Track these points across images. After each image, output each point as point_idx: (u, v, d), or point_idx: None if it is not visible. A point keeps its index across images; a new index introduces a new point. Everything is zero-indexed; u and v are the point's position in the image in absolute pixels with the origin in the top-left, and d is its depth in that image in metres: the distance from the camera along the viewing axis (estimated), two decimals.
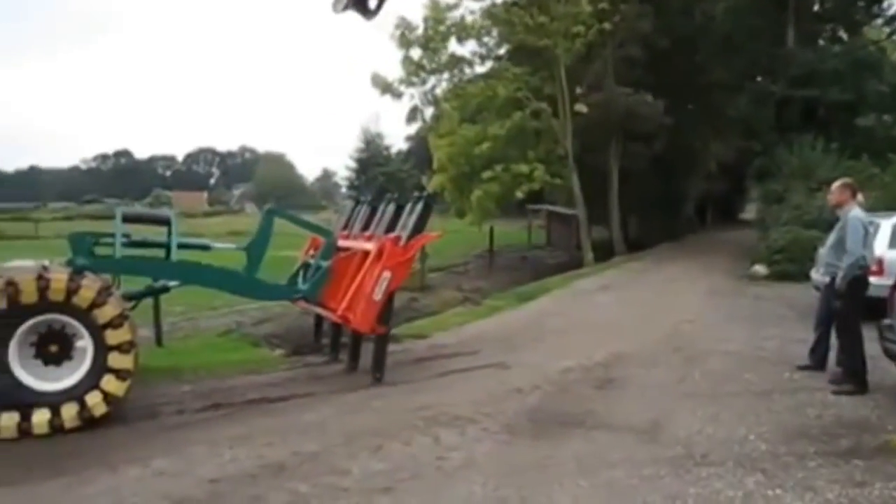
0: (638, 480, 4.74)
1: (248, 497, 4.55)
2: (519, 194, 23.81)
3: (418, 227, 7.88)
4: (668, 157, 28.64)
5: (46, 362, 6.15)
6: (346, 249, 8.32)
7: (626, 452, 5.29)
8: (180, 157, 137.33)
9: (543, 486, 4.67)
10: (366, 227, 8.76)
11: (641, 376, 7.78)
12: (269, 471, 5.00)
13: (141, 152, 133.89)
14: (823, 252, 7.92)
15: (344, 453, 5.33)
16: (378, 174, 63.59)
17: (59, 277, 6.02)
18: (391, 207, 8.42)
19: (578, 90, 24.69)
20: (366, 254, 7.89)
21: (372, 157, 67.73)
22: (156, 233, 8.08)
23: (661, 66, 27.14)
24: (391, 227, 8.11)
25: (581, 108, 23.54)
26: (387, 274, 7.46)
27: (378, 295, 7.41)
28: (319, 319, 9.36)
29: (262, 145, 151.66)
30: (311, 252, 8.83)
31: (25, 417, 5.86)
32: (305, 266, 8.57)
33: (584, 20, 22.63)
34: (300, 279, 8.43)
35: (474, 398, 6.81)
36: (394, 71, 25.31)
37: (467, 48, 25.12)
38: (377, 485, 4.71)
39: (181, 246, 7.89)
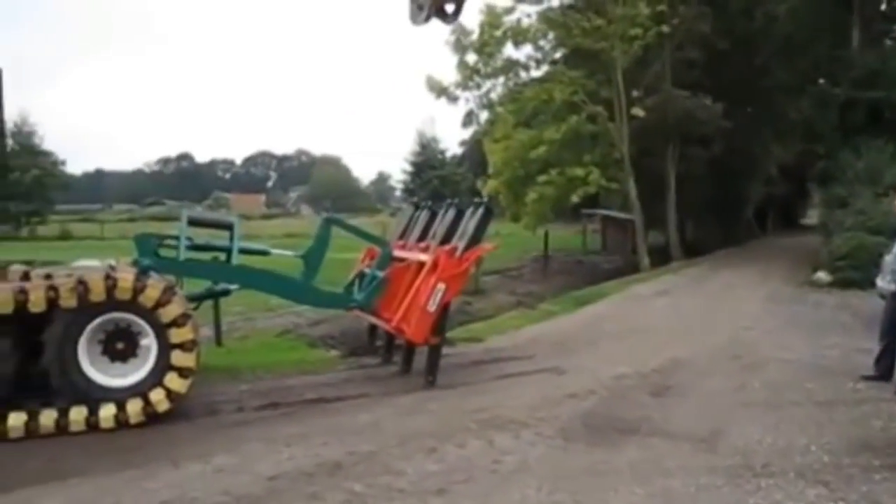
0: (695, 489, 4.68)
1: (306, 495, 4.63)
2: (574, 198, 23.65)
3: (477, 236, 7.90)
4: (727, 160, 28.09)
5: (113, 359, 6.34)
6: (402, 260, 8.38)
7: (683, 461, 5.23)
8: (239, 161, 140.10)
9: (598, 492, 4.65)
10: (423, 234, 8.80)
11: (699, 384, 7.67)
12: (326, 469, 5.08)
13: (202, 156, 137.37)
14: (890, 259, 7.70)
15: (399, 454, 5.39)
16: (432, 178, 63.77)
17: (126, 277, 6.21)
18: (451, 213, 8.44)
19: (635, 93, 24.45)
20: (421, 265, 7.94)
21: (427, 161, 67.91)
22: (213, 235, 8.29)
23: (720, 68, 26.64)
24: (449, 235, 8.13)
25: (638, 111, 23.29)
26: (441, 286, 7.50)
27: (432, 307, 7.45)
28: (373, 335, 9.48)
29: (319, 149, 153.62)
30: (367, 262, 8.93)
31: (93, 412, 6.07)
32: (361, 275, 8.64)
33: (642, 22, 22.38)
34: (355, 288, 8.52)
35: (529, 402, 6.81)
36: (449, 75, 25.36)
37: (522, 52, 25.08)
38: (431, 486, 4.75)
39: (241, 251, 8.08)
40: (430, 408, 6.83)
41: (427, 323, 7.49)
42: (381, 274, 8.14)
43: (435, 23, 8.32)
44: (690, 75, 25.69)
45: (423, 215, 9.13)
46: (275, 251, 8.66)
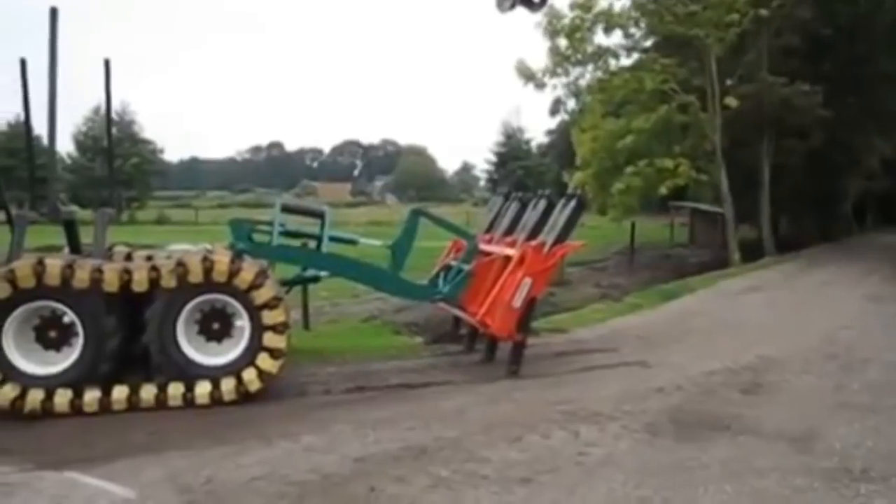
0: (790, 491, 4.54)
1: (392, 477, 4.71)
2: (662, 190, 23.11)
3: (566, 230, 7.81)
4: (825, 152, 26.88)
5: (209, 339, 6.60)
6: (488, 254, 8.37)
7: (776, 461, 5.06)
8: (327, 150, 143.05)
9: (686, 488, 4.56)
10: (512, 226, 8.74)
11: (792, 383, 7.41)
12: (412, 454, 5.15)
13: (291, 144, 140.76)
14: None
15: (483, 442, 5.41)
16: (516, 168, 63.56)
17: (223, 260, 6.43)
18: (542, 205, 8.35)
19: (729, 82, 23.64)
20: (507, 259, 7.89)
21: (511, 151, 67.71)
22: (302, 223, 8.49)
23: (821, 56, 25.50)
24: (538, 229, 8.06)
25: (731, 101, 22.48)
26: (527, 281, 7.46)
27: (518, 302, 7.42)
28: (457, 327, 9.51)
29: (405, 139, 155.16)
30: (453, 254, 8.96)
31: (189, 388, 6.33)
32: (447, 268, 8.67)
33: (739, 8, 21.61)
34: (441, 280, 8.57)
35: (614, 395, 6.72)
36: (538, 64, 25.13)
37: (613, 40, 24.63)
38: (516, 475, 4.75)
39: (331, 239, 8.26)
40: (514, 397, 6.83)
41: (512, 318, 7.46)
42: (467, 267, 8.16)
43: (523, 13, 8.30)
44: (788, 63, 24.64)
45: (513, 206, 9.05)
46: (363, 240, 8.81)
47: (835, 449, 5.31)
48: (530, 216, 8.40)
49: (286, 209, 8.17)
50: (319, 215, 8.43)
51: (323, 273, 8.40)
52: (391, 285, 8.25)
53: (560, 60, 24.23)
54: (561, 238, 7.78)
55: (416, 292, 8.65)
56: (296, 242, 8.32)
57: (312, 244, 8.39)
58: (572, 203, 7.91)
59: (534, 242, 7.82)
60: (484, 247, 8.59)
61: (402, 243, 8.29)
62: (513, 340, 7.65)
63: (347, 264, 7.91)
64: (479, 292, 7.96)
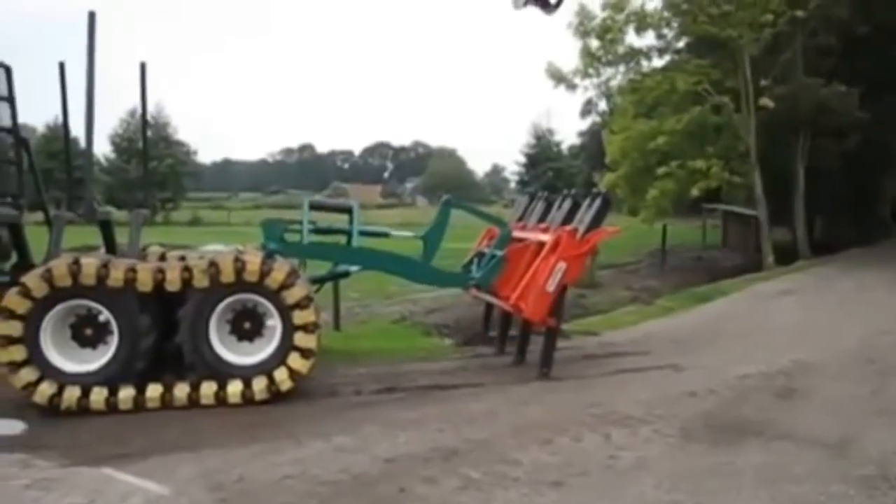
0: (825, 497, 4.45)
1: (422, 478, 4.71)
2: (695, 192, 22.85)
3: (595, 224, 7.79)
4: (862, 154, 26.34)
5: (240, 338, 6.66)
6: (522, 240, 8.36)
7: (811, 467, 4.98)
8: (357, 152, 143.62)
9: (719, 494, 4.50)
10: (541, 220, 8.75)
11: (828, 388, 7.27)
12: (441, 455, 5.15)
13: (322, 146, 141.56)
14: None
15: (514, 444, 5.39)
16: (547, 169, 63.30)
17: (254, 260, 6.50)
18: (567, 203, 8.35)
19: (763, 83, 23.30)
20: (541, 245, 7.86)
21: (542, 153, 67.43)
22: (332, 221, 8.54)
23: (857, 55, 25.03)
24: (567, 223, 8.05)
25: (766, 102, 22.16)
26: (562, 265, 7.42)
27: (551, 286, 7.38)
28: (489, 311, 9.48)
29: (435, 140, 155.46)
30: (486, 242, 8.96)
31: (222, 387, 6.40)
32: (479, 255, 8.70)
33: (774, 9, 21.31)
34: (474, 268, 8.58)
35: (646, 399, 6.66)
36: (569, 65, 25.04)
37: (645, 41, 24.45)
38: (547, 478, 4.72)
39: (362, 233, 8.30)
40: (544, 399, 6.80)
41: (545, 302, 7.42)
42: (500, 253, 8.16)
43: (557, 14, 8.29)
44: (824, 64, 24.25)
45: (539, 205, 9.06)
46: (395, 233, 8.85)
47: (871, 455, 5.20)
48: (556, 215, 8.39)
49: (314, 207, 8.26)
50: (347, 211, 8.49)
51: (353, 268, 8.44)
52: (424, 275, 8.25)
53: (591, 61, 24.10)
54: (591, 229, 7.75)
55: (450, 280, 8.70)
56: (328, 239, 8.38)
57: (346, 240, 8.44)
58: (598, 202, 7.87)
59: (568, 227, 7.80)
60: (517, 233, 8.58)
61: (434, 234, 8.30)
62: (546, 325, 7.62)
63: (379, 257, 7.94)
64: (513, 277, 7.94)
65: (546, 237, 7.90)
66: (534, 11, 8.47)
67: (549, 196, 9.19)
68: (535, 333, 8.14)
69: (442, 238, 8.27)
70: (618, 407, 6.37)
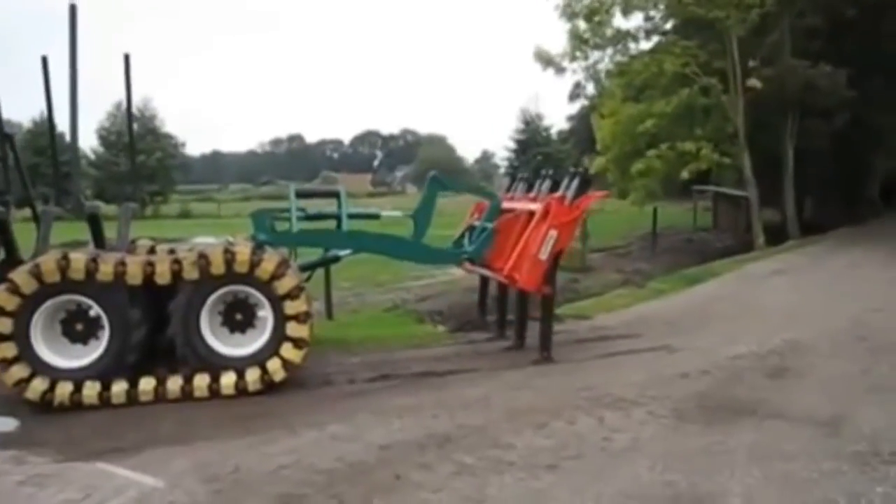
0: (817, 475, 4.48)
1: (417, 465, 4.72)
2: (685, 174, 22.84)
3: (580, 192, 7.82)
4: (850, 134, 26.43)
5: (232, 330, 6.66)
6: (511, 210, 8.36)
7: (804, 445, 5.01)
8: (347, 141, 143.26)
9: (713, 473, 4.53)
10: (528, 192, 8.83)
11: (820, 366, 7.31)
12: (436, 441, 5.16)
13: (311, 136, 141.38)
14: None
15: (508, 429, 5.41)
16: (537, 154, 63.23)
17: (244, 251, 6.47)
18: (547, 184, 8.43)
19: (751, 64, 23.27)
20: (531, 214, 7.90)
21: (531, 138, 67.35)
22: (320, 206, 8.53)
23: (845, 36, 25.03)
24: (554, 191, 8.10)
25: (754, 82, 22.14)
26: (553, 233, 7.45)
27: (544, 254, 7.42)
28: (483, 296, 9.51)
29: (424, 128, 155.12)
30: (476, 216, 8.96)
31: (215, 379, 6.39)
32: (470, 229, 8.71)
33: None
34: (465, 242, 8.57)
35: (639, 381, 6.69)
36: (557, 47, 24.97)
37: (632, 22, 24.39)
38: (542, 461, 4.74)
39: (352, 216, 8.29)
40: (538, 384, 6.82)
41: (539, 271, 7.46)
42: (490, 225, 8.17)
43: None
44: (812, 45, 24.23)
45: (521, 187, 9.16)
46: (385, 213, 8.84)
47: (863, 432, 5.24)
48: (542, 188, 8.50)
49: (301, 194, 8.21)
50: (335, 195, 8.47)
51: (343, 252, 8.43)
52: (416, 253, 8.23)
53: (578, 44, 24.03)
54: (577, 197, 7.77)
55: (442, 256, 8.73)
56: (319, 225, 8.36)
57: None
58: (576, 181, 7.88)
59: (556, 195, 7.83)
60: (507, 204, 8.60)
61: (423, 212, 8.23)
62: (541, 293, 7.65)
63: (370, 239, 7.93)
64: (505, 248, 7.97)
65: (535, 206, 7.93)
66: None
67: (529, 177, 9.28)
68: (533, 320, 8.15)
69: (431, 216, 8.20)
70: (611, 389, 6.39)
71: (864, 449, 4.91)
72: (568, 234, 7.77)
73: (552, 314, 7.78)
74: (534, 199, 8.29)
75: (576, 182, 7.86)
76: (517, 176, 9.81)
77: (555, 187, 8.19)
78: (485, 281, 9.32)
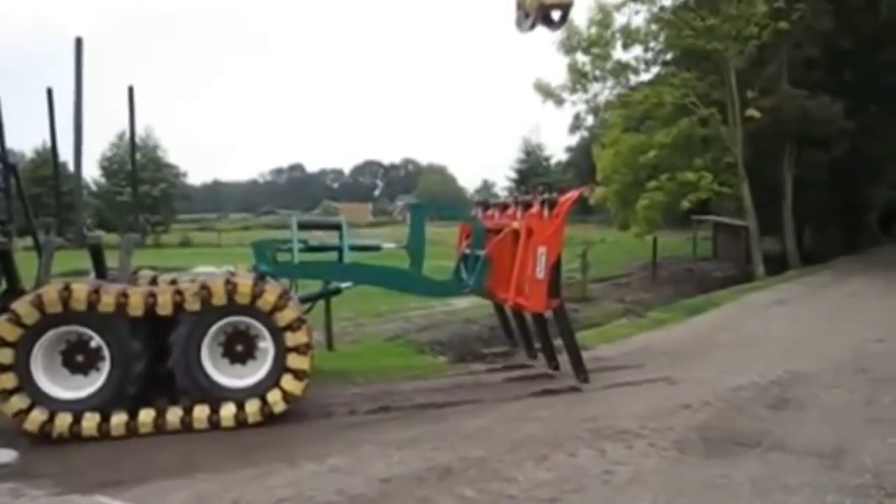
0: None
1: (417, 499, 4.69)
2: (685, 204, 22.96)
3: (553, 204, 7.88)
4: (849, 163, 26.59)
5: (233, 361, 6.63)
6: (497, 231, 8.43)
7: (807, 477, 4.98)
8: (347, 170, 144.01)
9: None
10: (504, 210, 8.99)
11: (822, 398, 7.28)
12: (436, 474, 5.13)
13: (312, 166, 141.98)
14: None
15: (509, 461, 5.37)
16: (536, 185, 63.60)
17: (245, 282, 6.47)
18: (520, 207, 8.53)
19: (750, 94, 23.52)
20: (516, 232, 8.02)
21: (532, 168, 67.76)
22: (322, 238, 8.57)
23: (842, 66, 25.27)
24: (529, 204, 8.22)
25: (753, 113, 22.33)
26: (542, 249, 7.58)
27: (540, 273, 7.54)
28: (504, 320, 9.73)
29: (425, 158, 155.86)
30: (465, 240, 9.00)
31: (215, 411, 6.36)
32: (464, 257, 8.73)
33: (758, 21, 21.53)
34: (463, 273, 8.59)
35: (641, 412, 6.65)
36: (557, 79, 25.27)
37: (632, 54, 24.65)
38: (543, 495, 4.71)
39: (354, 248, 8.32)
40: (539, 415, 6.78)
41: (541, 290, 7.58)
42: (482, 253, 8.21)
43: (543, 32, 8.33)
44: (809, 75, 24.48)
45: (494, 211, 9.35)
46: (386, 245, 8.88)
47: (866, 465, 5.21)
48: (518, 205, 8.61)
49: (303, 226, 8.25)
50: (336, 227, 8.50)
51: (345, 284, 8.43)
52: (417, 286, 8.25)
53: (578, 77, 24.28)
54: (552, 207, 7.82)
55: (443, 289, 8.77)
56: (320, 256, 8.38)
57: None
58: (546, 199, 7.97)
59: (533, 210, 7.94)
60: (489, 224, 8.71)
61: (415, 241, 8.16)
62: (550, 309, 7.77)
63: (370, 271, 7.96)
64: (502, 274, 8.06)
65: (517, 224, 8.07)
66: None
67: (499, 204, 9.47)
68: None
69: (424, 243, 8.13)
70: (613, 421, 6.36)
71: (868, 482, 4.88)
72: (556, 244, 7.82)
73: (570, 328, 7.90)
74: (513, 216, 8.42)
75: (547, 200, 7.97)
76: (488, 202, 9.96)
77: (527, 208, 8.27)
78: (500, 305, 9.40)
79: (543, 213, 7.78)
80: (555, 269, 7.75)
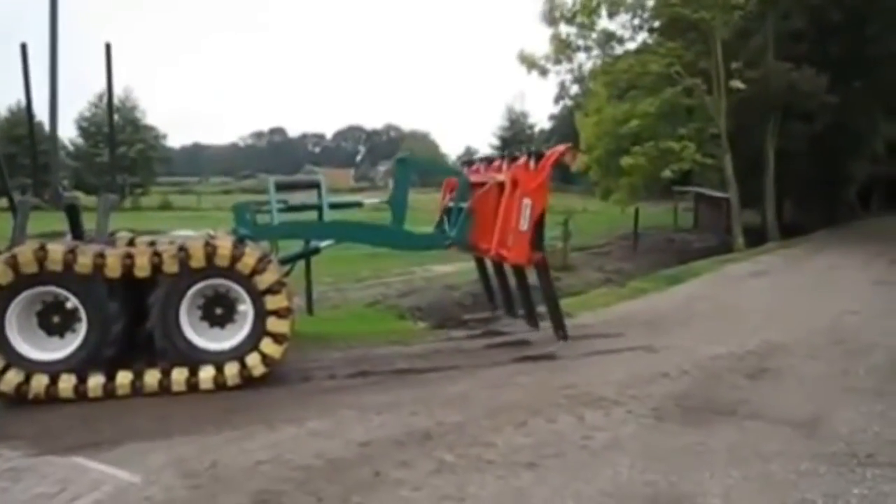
0: (795, 476, 4.51)
1: (396, 462, 4.70)
2: (667, 173, 22.93)
3: (540, 157, 7.93)
4: (830, 137, 26.67)
5: (212, 324, 6.59)
6: (482, 184, 8.42)
7: (782, 445, 5.04)
8: (329, 135, 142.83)
9: (692, 473, 4.54)
10: (490, 164, 9.05)
11: (798, 367, 7.36)
12: (416, 439, 5.14)
13: (294, 130, 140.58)
14: None
15: (488, 426, 5.39)
16: (522, 147, 63.47)
17: (225, 245, 6.41)
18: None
19: (735, 65, 23.46)
20: (501, 185, 8.01)
21: (515, 136, 67.56)
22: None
23: (828, 40, 25.22)
24: (516, 157, 8.27)
25: (737, 84, 22.29)
26: (527, 201, 7.61)
27: (524, 225, 7.57)
28: (486, 279, 9.89)
29: (408, 124, 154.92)
30: (449, 195, 8.99)
31: (193, 373, 6.32)
32: (447, 210, 8.70)
33: None
34: (446, 225, 8.58)
35: (619, 380, 6.70)
36: (541, 49, 25.02)
37: (617, 23, 24.47)
38: (521, 459, 4.73)
39: (334, 206, 8.28)
40: (518, 382, 6.81)
41: (524, 242, 7.62)
42: (465, 205, 8.20)
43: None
44: (795, 48, 24.41)
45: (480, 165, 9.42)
46: (367, 201, 8.83)
47: (841, 434, 5.28)
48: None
49: (281, 186, 8.19)
50: (315, 186, 8.43)
51: (324, 244, 8.38)
52: (400, 240, 8.19)
53: (562, 47, 24.09)
54: (538, 154, 7.86)
55: (426, 242, 8.73)
56: (301, 216, 8.32)
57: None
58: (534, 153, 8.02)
59: (519, 162, 7.95)
60: (474, 178, 8.69)
61: (398, 196, 8.14)
62: (532, 263, 7.81)
63: (351, 228, 7.94)
64: (485, 225, 8.08)
65: (503, 176, 8.07)
66: None
67: (484, 160, 9.53)
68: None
69: (406, 199, 8.10)
70: (592, 388, 6.40)
71: (842, 450, 4.95)
72: (541, 198, 7.84)
73: (552, 285, 7.91)
74: (498, 169, 8.42)
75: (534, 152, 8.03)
76: (472, 160, 10.07)
77: (514, 160, 8.29)
78: (482, 264, 9.41)
79: (530, 165, 7.77)
80: (539, 223, 7.76)
